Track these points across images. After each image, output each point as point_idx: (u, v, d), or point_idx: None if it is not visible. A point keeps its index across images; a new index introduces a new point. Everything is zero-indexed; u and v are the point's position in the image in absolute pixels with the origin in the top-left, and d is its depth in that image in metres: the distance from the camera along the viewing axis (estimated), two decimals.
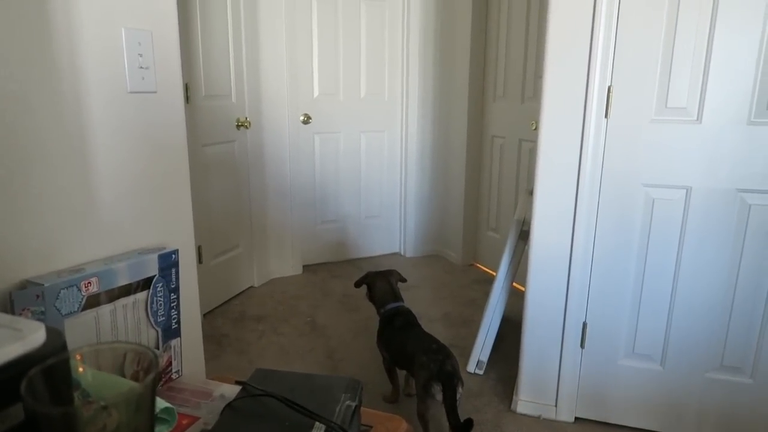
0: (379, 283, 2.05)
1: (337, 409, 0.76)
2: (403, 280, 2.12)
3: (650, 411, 1.85)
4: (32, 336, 0.56)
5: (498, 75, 3.33)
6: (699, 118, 1.61)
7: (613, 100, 1.68)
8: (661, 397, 1.83)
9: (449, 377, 1.58)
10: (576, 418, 1.94)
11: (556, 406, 1.95)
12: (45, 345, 0.57)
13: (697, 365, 1.77)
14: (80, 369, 0.56)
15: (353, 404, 0.78)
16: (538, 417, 1.96)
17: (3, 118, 0.77)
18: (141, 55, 0.99)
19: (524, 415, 1.98)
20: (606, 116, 1.70)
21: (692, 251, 1.70)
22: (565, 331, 1.88)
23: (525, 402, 1.98)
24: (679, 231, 1.70)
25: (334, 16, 3.34)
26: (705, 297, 1.72)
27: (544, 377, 1.94)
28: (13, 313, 0.74)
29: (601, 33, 1.64)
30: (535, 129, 2.87)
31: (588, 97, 1.69)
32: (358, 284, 2.10)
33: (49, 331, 0.58)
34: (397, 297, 2.02)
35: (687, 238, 1.69)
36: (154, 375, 0.51)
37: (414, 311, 2.00)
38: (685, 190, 1.67)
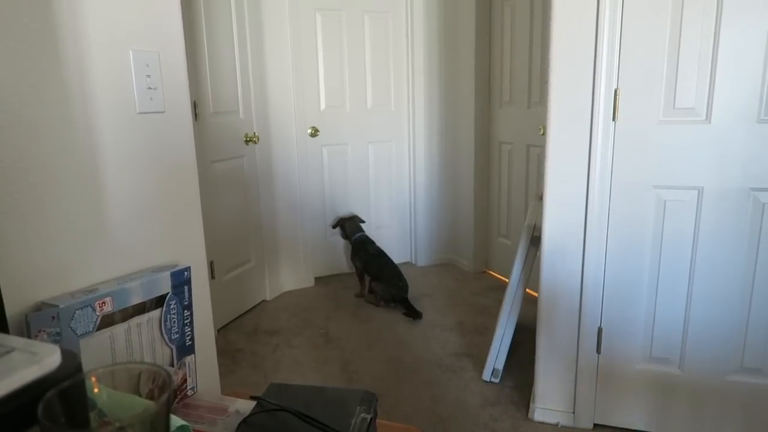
0: (349, 222, 3.26)
1: (353, 422, 0.75)
2: (363, 221, 3.32)
3: (671, 416, 1.82)
4: (48, 359, 0.56)
5: (504, 81, 3.33)
6: (708, 118, 1.60)
7: (620, 103, 1.68)
8: (681, 401, 1.80)
9: (403, 298, 2.98)
10: (595, 425, 1.92)
11: (574, 412, 1.92)
12: (60, 367, 0.57)
13: (716, 368, 1.74)
14: (96, 389, 0.56)
15: (368, 417, 0.77)
16: (556, 424, 1.94)
17: (16, 143, 0.79)
18: (149, 76, 1.01)
19: (542, 422, 1.95)
20: (614, 119, 1.69)
21: (707, 252, 1.68)
22: (581, 336, 1.86)
23: (542, 409, 1.96)
24: (693, 232, 1.68)
25: (338, 29, 3.37)
26: (721, 298, 1.69)
27: (561, 384, 1.92)
28: (29, 335, 0.75)
29: (605, 35, 1.64)
30: (543, 134, 2.86)
31: (595, 101, 1.69)
32: (334, 226, 3.35)
33: (65, 353, 0.59)
34: (361, 230, 3.23)
35: (701, 238, 1.68)
36: (168, 394, 0.52)
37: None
38: (696, 191, 1.66)
